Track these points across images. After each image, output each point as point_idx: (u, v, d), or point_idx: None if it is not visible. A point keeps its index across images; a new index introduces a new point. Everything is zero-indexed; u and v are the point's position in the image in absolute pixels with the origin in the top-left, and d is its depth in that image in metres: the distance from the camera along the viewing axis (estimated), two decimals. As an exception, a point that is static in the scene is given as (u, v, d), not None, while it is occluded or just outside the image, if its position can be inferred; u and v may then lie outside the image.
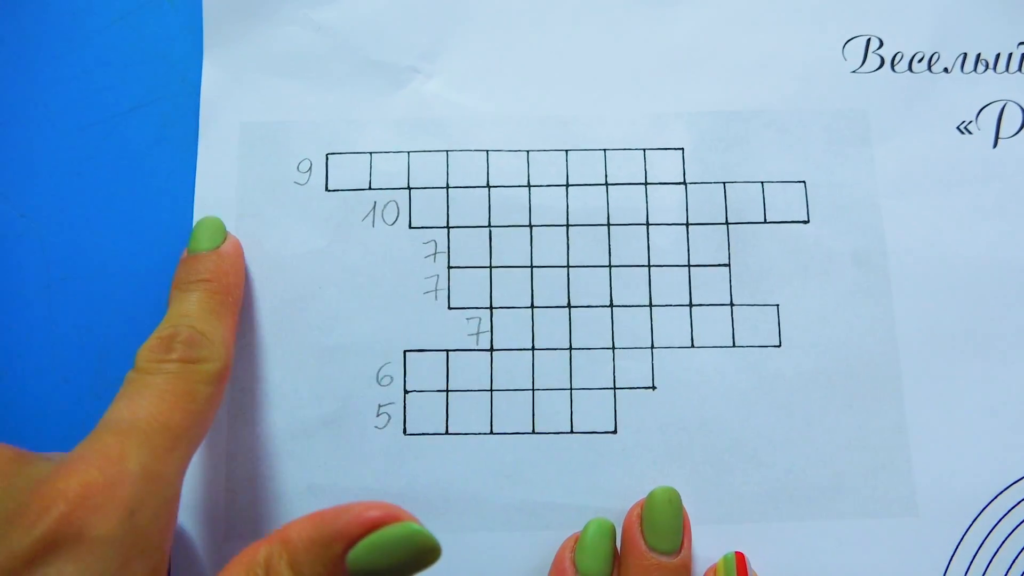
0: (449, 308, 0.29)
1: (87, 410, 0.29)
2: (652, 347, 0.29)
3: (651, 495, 0.26)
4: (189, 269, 0.27)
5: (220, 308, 0.26)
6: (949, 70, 0.31)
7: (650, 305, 0.29)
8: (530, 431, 0.28)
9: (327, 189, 0.30)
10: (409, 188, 0.30)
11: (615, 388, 0.29)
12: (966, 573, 0.27)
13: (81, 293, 0.30)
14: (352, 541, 0.19)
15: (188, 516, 0.28)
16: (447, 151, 0.30)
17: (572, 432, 0.28)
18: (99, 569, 0.19)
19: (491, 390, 0.29)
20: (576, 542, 0.26)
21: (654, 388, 0.29)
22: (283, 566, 0.19)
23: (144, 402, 0.22)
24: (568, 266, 0.30)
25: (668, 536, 0.26)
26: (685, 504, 0.27)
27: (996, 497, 0.28)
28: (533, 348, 0.29)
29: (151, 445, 0.21)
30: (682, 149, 0.30)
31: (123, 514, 0.20)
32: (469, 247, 0.30)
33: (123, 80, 0.31)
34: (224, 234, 0.28)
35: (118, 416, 0.22)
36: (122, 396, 0.23)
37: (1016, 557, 0.28)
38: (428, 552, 0.19)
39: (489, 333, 0.29)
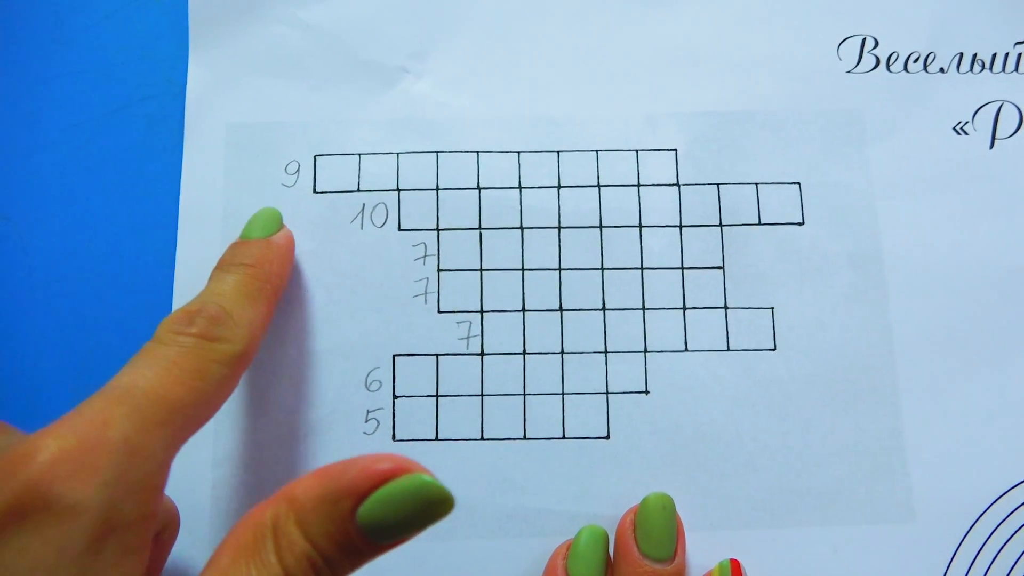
0: (439, 311, 0.29)
1: (70, 416, 0.28)
2: (645, 351, 0.29)
3: (644, 501, 0.26)
4: (234, 252, 0.26)
5: (256, 293, 0.25)
6: (945, 70, 0.31)
7: (643, 308, 0.29)
8: (521, 437, 0.28)
9: (315, 191, 0.30)
10: (398, 190, 0.30)
11: (608, 392, 0.28)
12: (964, 580, 0.27)
13: (65, 298, 0.29)
14: (362, 496, 0.18)
15: (172, 524, 0.27)
16: (437, 152, 0.30)
17: (564, 437, 0.28)
18: (67, 543, 0.17)
19: (482, 395, 0.28)
20: (568, 549, 0.26)
21: (647, 392, 0.28)
22: (291, 526, 0.18)
23: (148, 372, 0.21)
24: (560, 269, 0.29)
25: (662, 543, 0.25)
26: (679, 510, 0.27)
27: (994, 502, 0.28)
28: (524, 352, 0.29)
29: (141, 415, 0.20)
30: (675, 150, 0.30)
31: (96, 484, 0.18)
32: (459, 249, 0.29)
33: (108, 80, 0.31)
34: (279, 225, 0.28)
35: (117, 383, 0.21)
36: (130, 364, 0.22)
37: (1015, 562, 0.27)
38: (441, 504, 0.18)
39: (480, 337, 0.29)
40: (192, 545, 0.27)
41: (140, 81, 0.31)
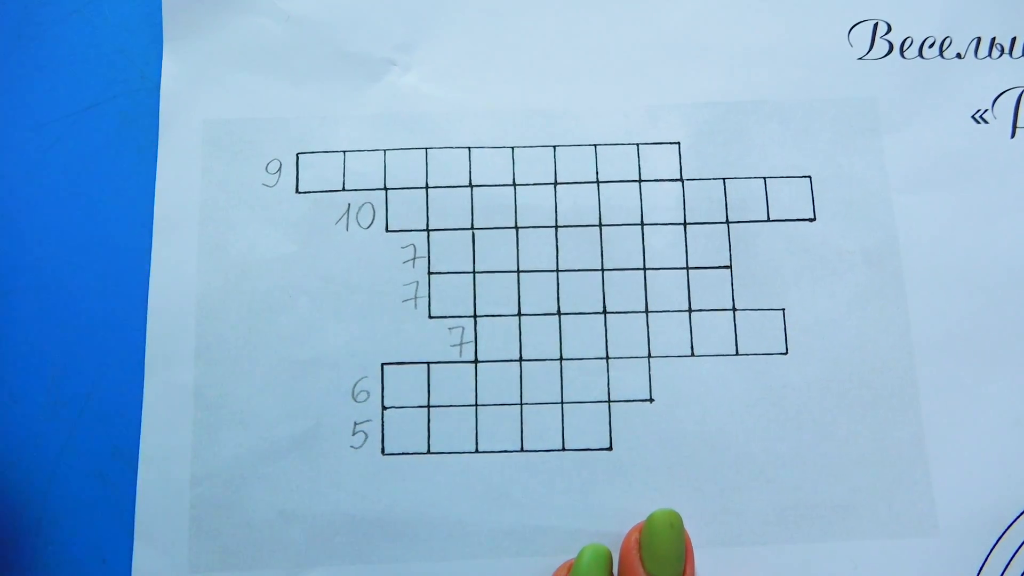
0: (430, 317, 0.28)
1: (39, 432, 0.28)
2: (649, 356, 0.28)
3: (651, 518, 0.25)
4: None
5: None
6: (962, 55, 0.30)
7: (646, 311, 0.28)
8: (519, 449, 0.27)
9: (298, 191, 0.29)
10: (386, 189, 0.29)
11: (610, 401, 0.28)
12: (992, 596, 0.27)
13: (31, 308, 0.29)
14: None
15: (148, 547, 0.27)
16: (426, 148, 0.29)
17: (564, 449, 0.27)
18: None
19: (476, 405, 0.28)
20: (569, 570, 0.25)
21: (652, 401, 0.28)
22: None
23: None
24: (557, 270, 0.29)
25: (669, 562, 0.24)
26: (687, 526, 0.26)
27: (1022, 513, 0.27)
28: (521, 359, 0.28)
29: None
30: (678, 143, 0.30)
31: None
32: (451, 251, 0.29)
33: (78, 76, 0.31)
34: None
35: None
36: None
37: (1043, 576, 0.27)
38: None
39: (473, 343, 0.28)
40: (170, 571, 0.26)
41: (112, 77, 0.30)
